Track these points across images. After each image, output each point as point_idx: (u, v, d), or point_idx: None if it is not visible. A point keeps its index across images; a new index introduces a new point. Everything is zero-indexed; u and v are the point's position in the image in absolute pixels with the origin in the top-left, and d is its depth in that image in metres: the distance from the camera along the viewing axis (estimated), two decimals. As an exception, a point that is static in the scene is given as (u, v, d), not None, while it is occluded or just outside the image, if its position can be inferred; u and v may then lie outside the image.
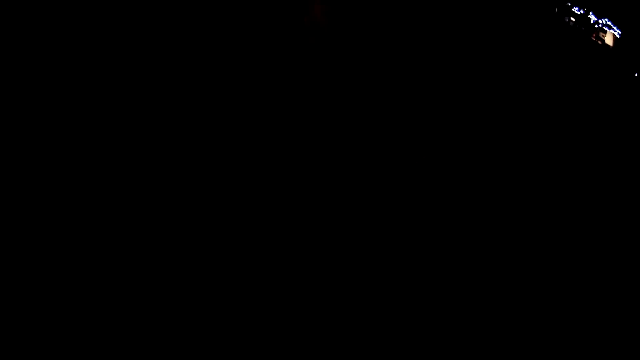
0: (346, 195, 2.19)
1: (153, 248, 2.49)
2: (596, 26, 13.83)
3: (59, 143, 2.82)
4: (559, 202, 4.60)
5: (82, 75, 3.13)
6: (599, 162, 6.56)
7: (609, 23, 13.66)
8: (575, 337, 3.12)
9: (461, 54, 7.32)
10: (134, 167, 2.83)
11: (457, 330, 2.73)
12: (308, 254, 2.16)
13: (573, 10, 14.45)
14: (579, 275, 3.67)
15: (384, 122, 3.18)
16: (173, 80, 3.06)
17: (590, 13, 14.21)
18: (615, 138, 8.29)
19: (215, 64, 2.88)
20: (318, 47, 2.42)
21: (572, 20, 14.14)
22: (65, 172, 2.71)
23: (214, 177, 2.50)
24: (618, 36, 13.24)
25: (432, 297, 2.72)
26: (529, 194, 4.51)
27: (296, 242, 2.18)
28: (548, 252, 3.74)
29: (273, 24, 2.49)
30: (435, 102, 5.21)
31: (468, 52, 7.62)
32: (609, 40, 13.52)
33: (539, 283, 3.38)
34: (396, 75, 4.41)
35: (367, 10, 4.95)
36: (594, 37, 13.73)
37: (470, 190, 3.86)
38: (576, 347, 3.05)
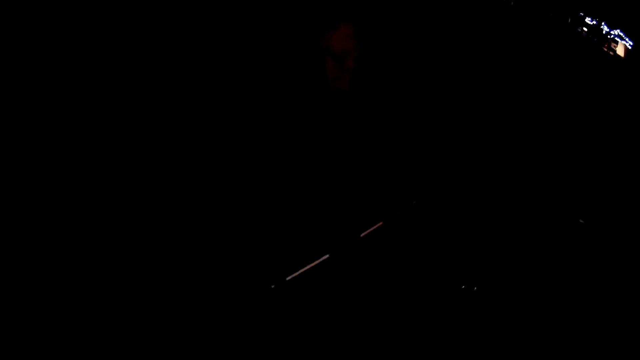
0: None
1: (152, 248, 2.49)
2: (608, 37, 14.13)
3: (58, 143, 2.77)
4: (569, 205, 4.92)
5: (82, 76, 3.03)
6: (610, 169, 6.83)
7: (621, 34, 13.96)
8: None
9: (479, 70, 7.53)
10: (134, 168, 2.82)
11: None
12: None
13: (586, 20, 14.77)
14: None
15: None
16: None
17: (603, 24, 14.50)
18: (627, 145, 8.54)
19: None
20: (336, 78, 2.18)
21: (584, 31, 14.47)
22: (65, 173, 2.68)
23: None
24: (630, 47, 13.55)
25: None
26: (542, 195, 4.84)
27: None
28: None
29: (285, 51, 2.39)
30: (454, 109, 5.56)
31: (486, 69, 7.83)
32: (620, 51, 13.83)
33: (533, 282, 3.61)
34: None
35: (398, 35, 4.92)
36: (606, 48, 14.03)
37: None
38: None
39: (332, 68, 2.16)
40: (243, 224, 2.43)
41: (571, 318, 3.38)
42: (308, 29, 2.26)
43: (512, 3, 18.23)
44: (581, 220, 4.44)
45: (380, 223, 2.51)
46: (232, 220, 2.45)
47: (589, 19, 14.66)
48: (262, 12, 3.47)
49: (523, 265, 3.61)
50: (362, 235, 2.47)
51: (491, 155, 4.99)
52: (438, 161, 3.85)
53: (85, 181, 2.68)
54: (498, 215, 3.94)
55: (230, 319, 2.24)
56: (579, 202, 4.95)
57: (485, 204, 3.91)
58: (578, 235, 4.29)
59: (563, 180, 5.37)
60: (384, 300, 2.60)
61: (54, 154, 2.69)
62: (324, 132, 2.34)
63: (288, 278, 2.24)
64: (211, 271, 2.34)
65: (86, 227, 2.51)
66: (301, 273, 2.28)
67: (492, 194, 4.14)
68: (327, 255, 2.35)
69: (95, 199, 2.63)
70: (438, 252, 3.11)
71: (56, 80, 2.91)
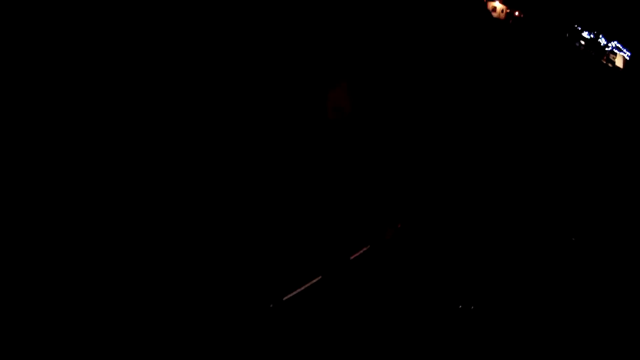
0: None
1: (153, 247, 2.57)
2: (606, 49, 14.34)
3: (59, 143, 2.78)
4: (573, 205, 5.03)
5: (83, 76, 3.04)
6: (611, 174, 6.94)
7: (619, 45, 14.15)
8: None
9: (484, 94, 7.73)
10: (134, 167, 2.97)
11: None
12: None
13: (583, 34, 15.03)
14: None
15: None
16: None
17: (600, 36, 14.74)
18: (628, 152, 8.62)
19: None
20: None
21: (582, 45, 14.71)
22: (66, 172, 2.70)
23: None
24: (628, 58, 13.71)
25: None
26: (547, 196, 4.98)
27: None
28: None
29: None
30: (467, 119, 5.76)
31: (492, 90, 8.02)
32: (619, 62, 14.00)
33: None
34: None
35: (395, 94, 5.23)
36: (605, 60, 14.22)
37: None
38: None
39: (332, 114, 2.72)
40: (243, 248, 2.70)
41: (563, 333, 3.50)
42: (316, 85, 2.77)
43: (510, 22, 18.66)
44: (573, 239, 4.60)
45: (368, 246, 2.79)
46: (233, 244, 2.72)
47: (586, 32, 14.92)
48: (284, 73, 3.89)
49: (514, 282, 3.76)
50: (352, 257, 2.75)
51: (483, 172, 5.17)
52: (424, 183, 4.08)
53: (84, 186, 2.80)
54: (486, 234, 4.12)
55: (234, 334, 2.49)
56: (571, 219, 5.06)
57: (473, 223, 4.10)
58: (570, 253, 4.41)
59: (557, 196, 5.51)
60: (375, 316, 2.83)
61: (54, 154, 2.74)
62: (318, 166, 2.71)
63: (285, 298, 2.52)
64: (216, 292, 2.60)
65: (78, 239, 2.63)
66: (297, 293, 2.56)
67: (481, 212, 4.34)
68: (320, 277, 2.63)
69: (87, 212, 2.76)
70: (424, 272, 3.33)
71: (57, 81, 2.96)
